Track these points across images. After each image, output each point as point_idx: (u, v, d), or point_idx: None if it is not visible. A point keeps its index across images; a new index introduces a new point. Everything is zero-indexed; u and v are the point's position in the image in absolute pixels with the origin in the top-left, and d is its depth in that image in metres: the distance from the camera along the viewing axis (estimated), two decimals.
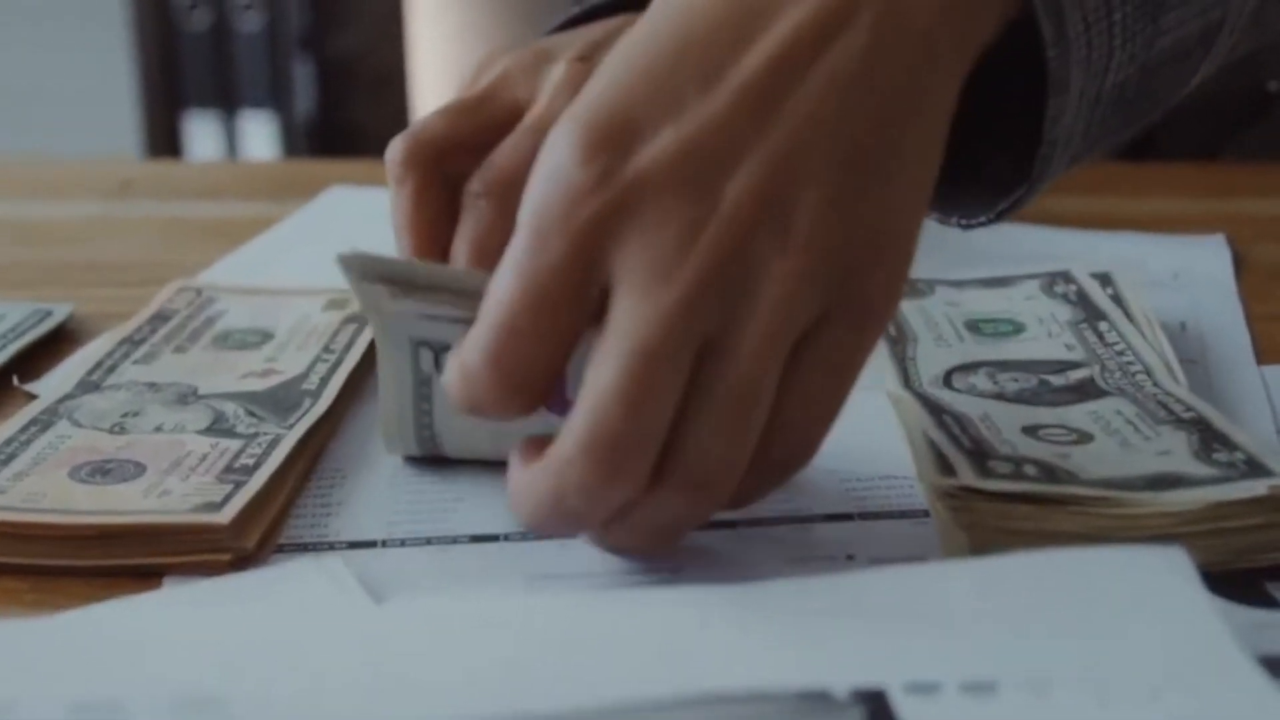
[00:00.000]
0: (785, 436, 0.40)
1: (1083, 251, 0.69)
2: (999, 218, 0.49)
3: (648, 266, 0.38)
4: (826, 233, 0.39)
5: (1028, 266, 0.62)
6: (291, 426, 0.50)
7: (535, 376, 0.39)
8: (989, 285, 0.60)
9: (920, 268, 0.43)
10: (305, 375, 0.54)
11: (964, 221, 0.50)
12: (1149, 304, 0.57)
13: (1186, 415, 0.48)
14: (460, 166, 0.54)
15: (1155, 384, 0.51)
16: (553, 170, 0.39)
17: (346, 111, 1.87)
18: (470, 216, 0.54)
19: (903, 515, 0.46)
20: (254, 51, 2.06)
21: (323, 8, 1.84)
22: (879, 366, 0.53)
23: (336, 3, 1.87)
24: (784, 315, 0.38)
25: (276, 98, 2.02)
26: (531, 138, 0.55)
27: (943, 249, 0.67)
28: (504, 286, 0.39)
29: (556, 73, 0.55)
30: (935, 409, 0.48)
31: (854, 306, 0.40)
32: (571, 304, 0.39)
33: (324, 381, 0.53)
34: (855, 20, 0.40)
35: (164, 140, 1.93)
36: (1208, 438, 0.46)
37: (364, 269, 0.46)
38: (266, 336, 0.58)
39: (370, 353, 0.56)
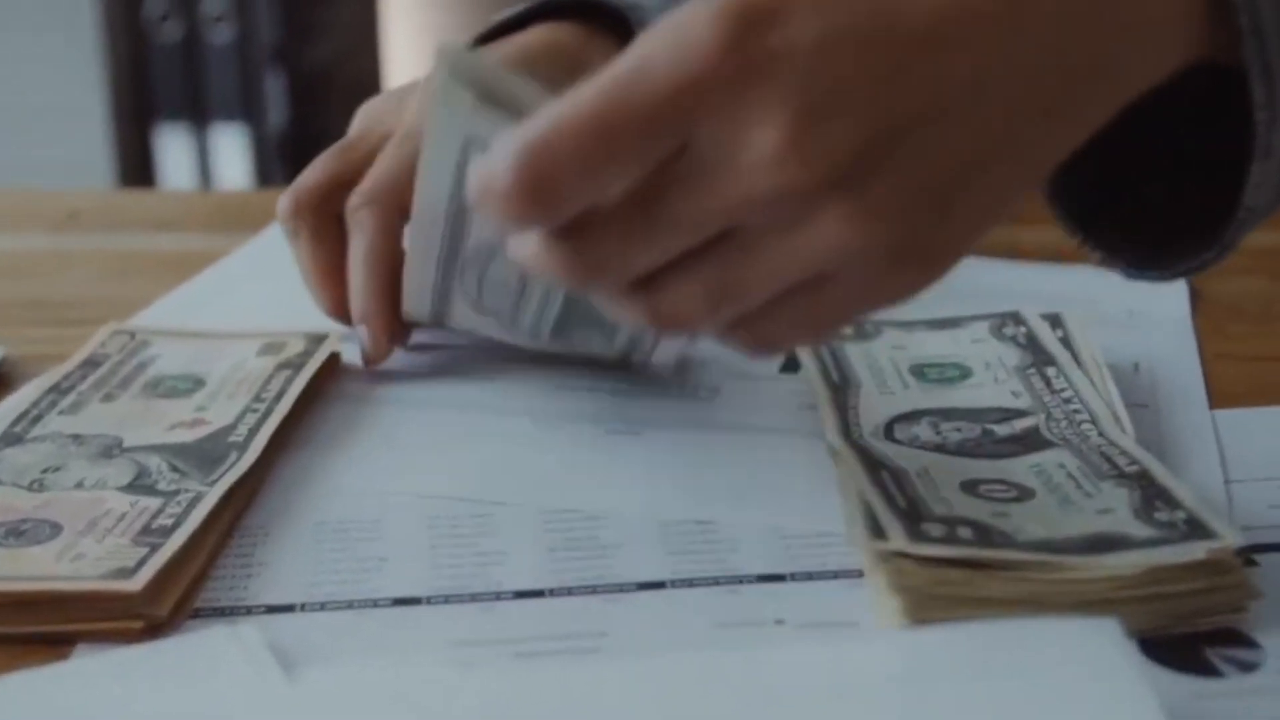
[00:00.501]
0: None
1: (1039, 286, 0.68)
2: (1180, 275, 0.48)
3: (748, 145, 0.37)
4: (922, 191, 0.38)
5: (978, 306, 0.61)
6: (214, 483, 0.48)
7: (568, 192, 0.37)
8: (937, 327, 0.59)
9: None
10: (233, 426, 0.53)
11: (1132, 271, 0.50)
12: (1098, 346, 0.56)
13: (1130, 469, 0.46)
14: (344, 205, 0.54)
15: (1101, 434, 0.50)
16: (681, 25, 0.37)
17: (319, 124, 1.86)
18: (356, 231, 0.54)
19: (837, 576, 0.45)
20: (225, 64, 2.04)
21: (294, 20, 1.83)
22: (821, 416, 0.52)
23: (308, 15, 1.85)
24: (839, 243, 0.38)
25: (248, 110, 2.01)
26: (403, 146, 0.55)
27: None
28: (589, 96, 0.37)
29: (417, 97, 0.55)
30: (873, 464, 0.47)
31: (913, 252, 0.39)
32: (643, 143, 0.37)
33: (251, 433, 0.52)
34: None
35: (135, 153, 1.91)
36: (1150, 494, 0.45)
37: (458, 67, 0.43)
38: (198, 383, 0.57)
39: (301, 401, 0.55)
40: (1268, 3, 0.41)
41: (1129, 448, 0.48)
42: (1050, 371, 0.54)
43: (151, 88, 1.94)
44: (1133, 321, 0.64)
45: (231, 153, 2.06)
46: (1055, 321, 0.58)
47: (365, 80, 1.96)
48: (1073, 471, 0.47)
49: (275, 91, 1.91)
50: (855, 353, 0.57)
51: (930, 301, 0.63)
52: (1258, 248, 0.73)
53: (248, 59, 2.00)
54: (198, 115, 2.04)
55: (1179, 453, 0.52)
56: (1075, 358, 0.55)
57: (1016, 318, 0.58)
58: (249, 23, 1.98)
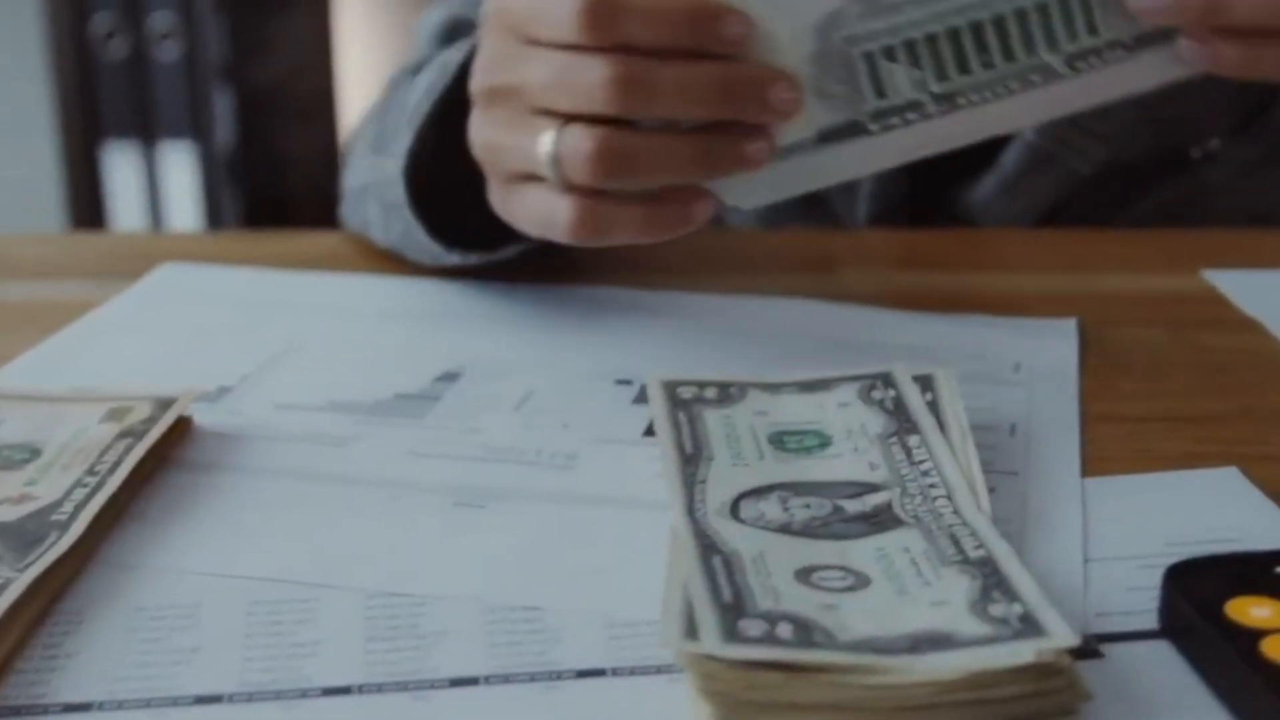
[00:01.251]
0: None
1: (928, 338, 0.66)
2: None
3: None
4: None
5: (862, 359, 0.59)
6: (26, 568, 0.46)
7: None
8: (806, 389, 0.57)
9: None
10: (60, 503, 0.51)
11: None
12: (967, 409, 0.54)
13: (975, 553, 0.45)
14: None
15: (955, 511, 0.48)
16: None
17: (269, 141, 1.84)
18: None
19: (660, 671, 0.43)
20: (172, 81, 2.02)
21: (242, 37, 1.81)
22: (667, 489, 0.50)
23: (256, 32, 1.83)
24: None
25: (196, 128, 1.98)
26: None
27: (785, 339, 0.64)
28: None
29: None
30: (708, 547, 0.45)
31: None
32: None
33: (77, 510, 0.50)
34: None
35: (83, 171, 1.89)
36: (990, 584, 0.43)
37: None
38: (34, 453, 0.55)
39: (141, 471, 0.53)
40: None
41: (980, 528, 0.46)
42: (913, 440, 0.52)
43: (98, 105, 1.92)
44: (1019, 376, 0.62)
45: (180, 170, 2.04)
46: (926, 383, 0.56)
47: (315, 98, 1.94)
48: (916, 556, 0.45)
49: (223, 109, 1.88)
50: (714, 419, 0.54)
51: (810, 358, 0.62)
52: (1156, 293, 0.72)
53: (195, 76, 1.98)
54: (145, 133, 2.02)
55: (1042, 527, 0.50)
56: (941, 423, 0.53)
57: (887, 379, 0.56)
58: (196, 40, 1.96)
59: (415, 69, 0.88)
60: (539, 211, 0.59)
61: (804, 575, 0.44)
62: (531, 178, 0.59)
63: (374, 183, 0.76)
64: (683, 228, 0.58)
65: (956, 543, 0.45)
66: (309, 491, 0.53)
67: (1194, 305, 0.71)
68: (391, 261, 0.78)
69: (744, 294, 0.72)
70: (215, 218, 1.93)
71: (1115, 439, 0.57)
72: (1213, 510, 0.51)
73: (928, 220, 0.91)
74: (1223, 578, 0.44)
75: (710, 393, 0.56)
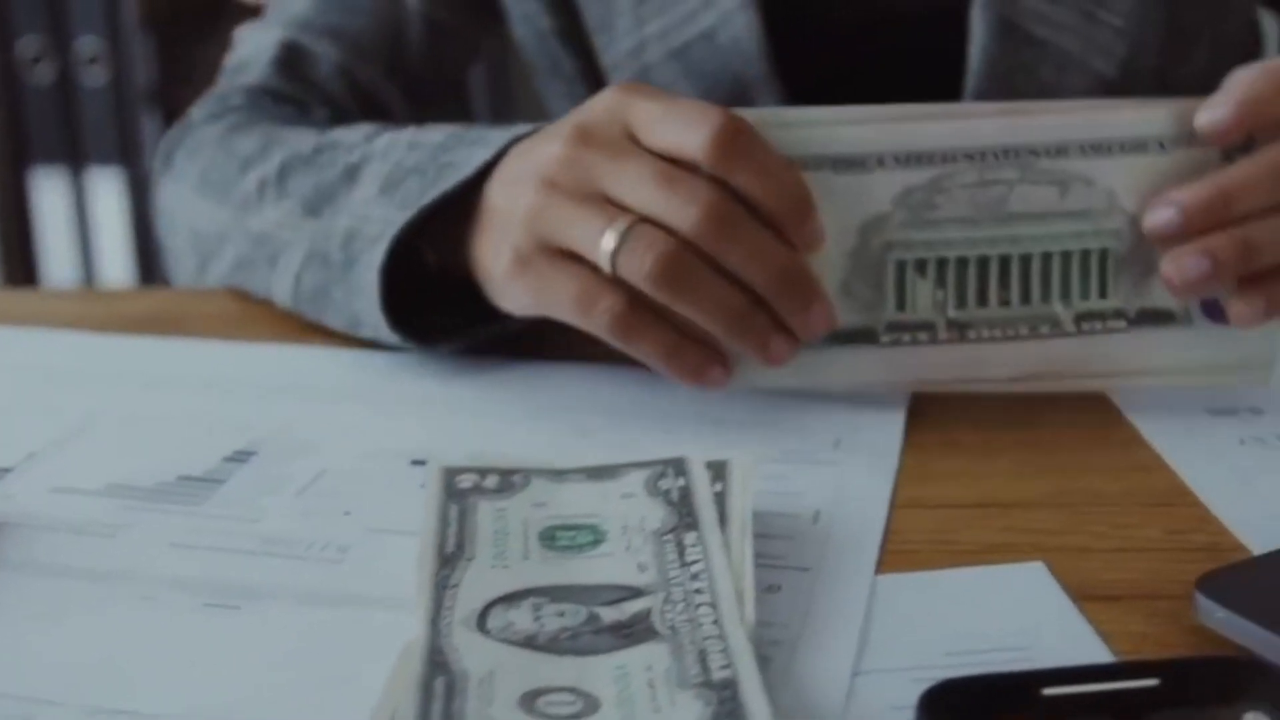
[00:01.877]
0: None
1: (751, 412, 0.63)
2: None
3: None
4: None
5: (674, 440, 0.57)
6: None
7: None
8: (593, 477, 0.54)
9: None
10: None
11: None
12: (750, 506, 0.51)
13: (719, 675, 0.42)
14: None
15: (716, 621, 0.45)
16: None
17: None
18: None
19: None
20: (100, 107, 1.99)
21: (169, 62, 1.78)
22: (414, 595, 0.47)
23: (183, 57, 1.80)
24: None
25: (124, 153, 1.95)
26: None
27: (609, 410, 0.62)
28: None
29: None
30: (437, 666, 0.42)
31: None
32: None
33: None
34: None
35: (11, 197, 1.86)
36: (724, 711, 0.40)
37: None
38: None
39: None
40: None
41: (733, 644, 0.43)
42: (689, 538, 0.49)
43: (26, 131, 1.89)
44: (836, 455, 0.59)
45: (109, 195, 2.01)
46: (720, 471, 0.53)
47: None
48: (656, 677, 0.42)
49: (152, 134, 1.85)
50: (488, 513, 0.51)
51: (630, 432, 0.59)
52: None
53: (123, 101, 1.95)
54: (74, 158, 1.99)
55: (818, 633, 0.47)
56: (724, 517, 0.50)
57: (679, 466, 0.53)
58: (123, 65, 1.93)
59: (265, 92, 0.84)
60: (575, 292, 0.59)
61: (529, 700, 0.41)
62: (571, 257, 0.59)
63: (272, 233, 0.74)
64: (692, 380, 0.60)
65: (704, 660, 0.42)
66: (58, 590, 0.50)
67: None
68: (220, 320, 0.75)
69: (577, 361, 0.69)
70: (144, 242, 1.90)
71: (922, 528, 0.54)
72: (1007, 613, 0.48)
73: None
74: (983, 702, 0.41)
75: (491, 481, 0.53)
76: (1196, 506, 0.56)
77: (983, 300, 0.60)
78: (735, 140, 0.57)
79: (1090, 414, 0.64)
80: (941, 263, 0.60)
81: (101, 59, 1.96)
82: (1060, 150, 0.58)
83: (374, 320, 0.67)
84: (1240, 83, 0.58)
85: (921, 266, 0.60)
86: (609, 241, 0.57)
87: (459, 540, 0.50)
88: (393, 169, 0.69)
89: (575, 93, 0.88)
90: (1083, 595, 0.49)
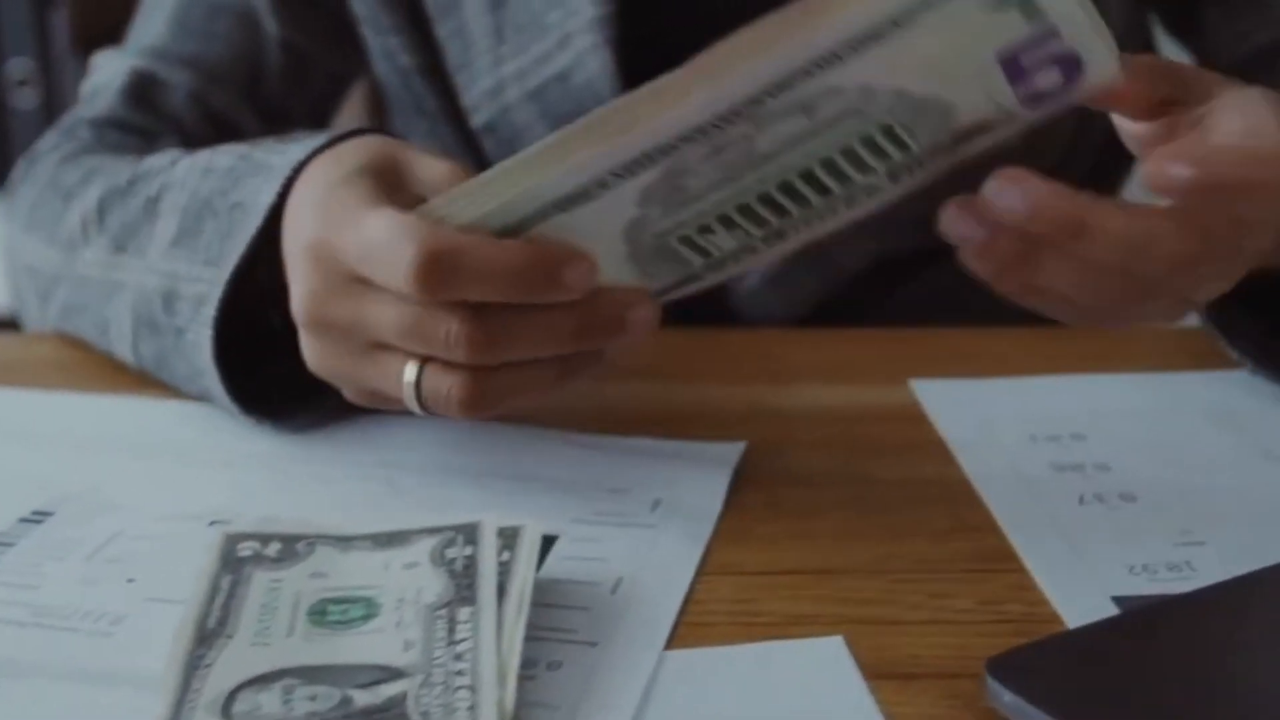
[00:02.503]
0: None
1: (571, 470, 0.61)
2: None
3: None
4: None
5: (484, 501, 0.54)
6: None
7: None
8: (380, 544, 0.51)
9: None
10: None
11: None
12: (531, 579, 0.49)
13: None
14: None
15: (471, 707, 0.42)
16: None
17: None
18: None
19: None
20: (31, 130, 1.97)
21: None
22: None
23: None
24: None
25: None
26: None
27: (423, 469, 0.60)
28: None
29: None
30: None
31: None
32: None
33: None
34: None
35: None
36: None
37: None
38: None
39: None
40: None
41: None
42: (464, 613, 0.47)
43: None
44: (654, 517, 0.57)
45: None
46: (511, 539, 0.51)
47: None
48: None
49: None
50: (261, 585, 0.49)
51: (443, 491, 0.57)
52: (850, 408, 0.67)
53: (54, 123, 1.93)
54: (3, 182, 1.97)
55: (591, 715, 0.45)
56: (505, 591, 0.48)
57: (470, 533, 0.51)
58: (54, 87, 1.91)
59: (111, 123, 0.82)
60: (426, 394, 0.56)
61: None
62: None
63: (91, 276, 0.71)
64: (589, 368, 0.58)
65: None
66: None
67: (882, 424, 0.66)
68: (52, 367, 0.73)
69: (395, 415, 0.67)
70: None
71: (726, 597, 0.52)
72: (794, 693, 0.46)
73: (690, 316, 0.86)
74: None
75: (273, 549, 0.51)
76: (1019, 573, 0.53)
77: (783, 214, 0.54)
78: (434, 270, 0.52)
79: (926, 469, 0.62)
80: (724, 218, 0.54)
81: (32, 81, 1.94)
82: (784, 85, 0.49)
83: (223, 402, 0.64)
84: (1212, 150, 0.53)
85: (706, 229, 0.55)
86: (407, 387, 0.56)
87: (223, 615, 0.48)
88: (188, 201, 0.67)
89: (438, 131, 0.86)
90: (880, 674, 0.47)
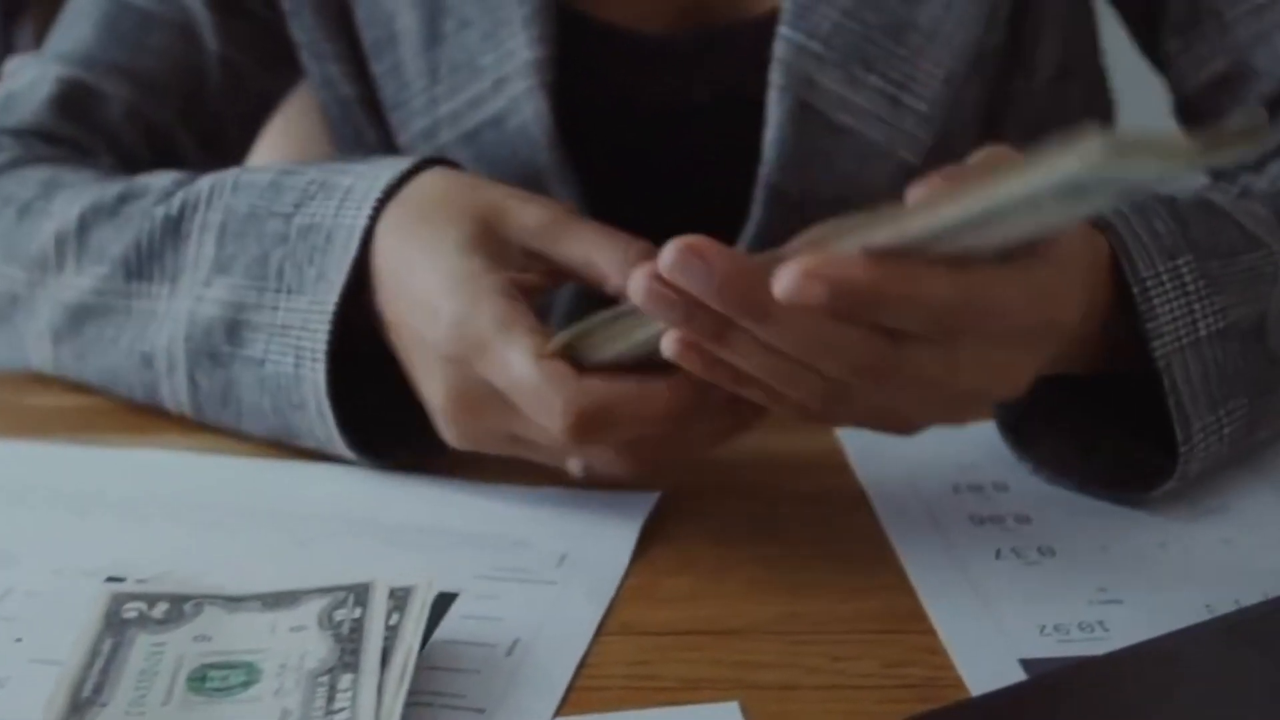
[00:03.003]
0: None
1: (482, 521, 0.60)
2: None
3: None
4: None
5: (358, 564, 0.53)
6: None
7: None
8: (270, 605, 0.50)
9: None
10: None
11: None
12: (417, 644, 0.48)
13: None
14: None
15: None
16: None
17: None
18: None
19: None
20: None
21: None
22: None
23: None
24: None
25: None
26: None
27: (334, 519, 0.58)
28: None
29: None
30: None
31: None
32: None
33: None
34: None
35: None
36: None
37: None
38: None
39: None
40: (1184, 376, 0.57)
41: None
42: (344, 681, 0.46)
43: None
44: (558, 573, 0.56)
45: None
46: (402, 600, 0.49)
47: None
48: None
49: None
50: (142, 649, 0.48)
51: (353, 545, 0.56)
52: (772, 455, 0.65)
53: None
54: None
55: None
56: (388, 657, 0.47)
57: (361, 594, 0.50)
58: None
59: (37, 134, 0.80)
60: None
61: None
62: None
63: (92, 303, 0.69)
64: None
65: None
66: None
67: (803, 473, 0.65)
68: None
69: (306, 461, 0.66)
70: None
71: (624, 659, 0.51)
72: None
73: None
74: None
75: (159, 610, 0.50)
76: (927, 634, 0.52)
77: None
78: (587, 427, 0.54)
79: (843, 522, 0.61)
80: None
81: None
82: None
83: (321, 436, 0.64)
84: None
85: None
86: (577, 474, 0.58)
87: (100, 681, 0.46)
88: (225, 218, 0.65)
89: None
90: None
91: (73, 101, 0.81)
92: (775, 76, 0.74)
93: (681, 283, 0.46)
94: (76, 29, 0.83)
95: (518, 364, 0.54)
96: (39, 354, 0.73)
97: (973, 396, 0.53)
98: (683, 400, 0.53)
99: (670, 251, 0.46)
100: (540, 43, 0.76)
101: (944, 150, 0.75)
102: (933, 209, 0.43)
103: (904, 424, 0.54)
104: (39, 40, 1.55)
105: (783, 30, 0.75)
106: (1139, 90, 0.95)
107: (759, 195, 0.76)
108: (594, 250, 0.59)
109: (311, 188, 0.64)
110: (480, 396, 0.57)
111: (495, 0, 0.76)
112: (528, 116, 0.76)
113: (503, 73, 0.76)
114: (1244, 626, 0.51)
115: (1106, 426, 0.63)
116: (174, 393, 0.67)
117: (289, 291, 0.62)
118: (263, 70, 0.86)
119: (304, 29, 0.83)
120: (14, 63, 0.84)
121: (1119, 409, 0.63)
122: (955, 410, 0.54)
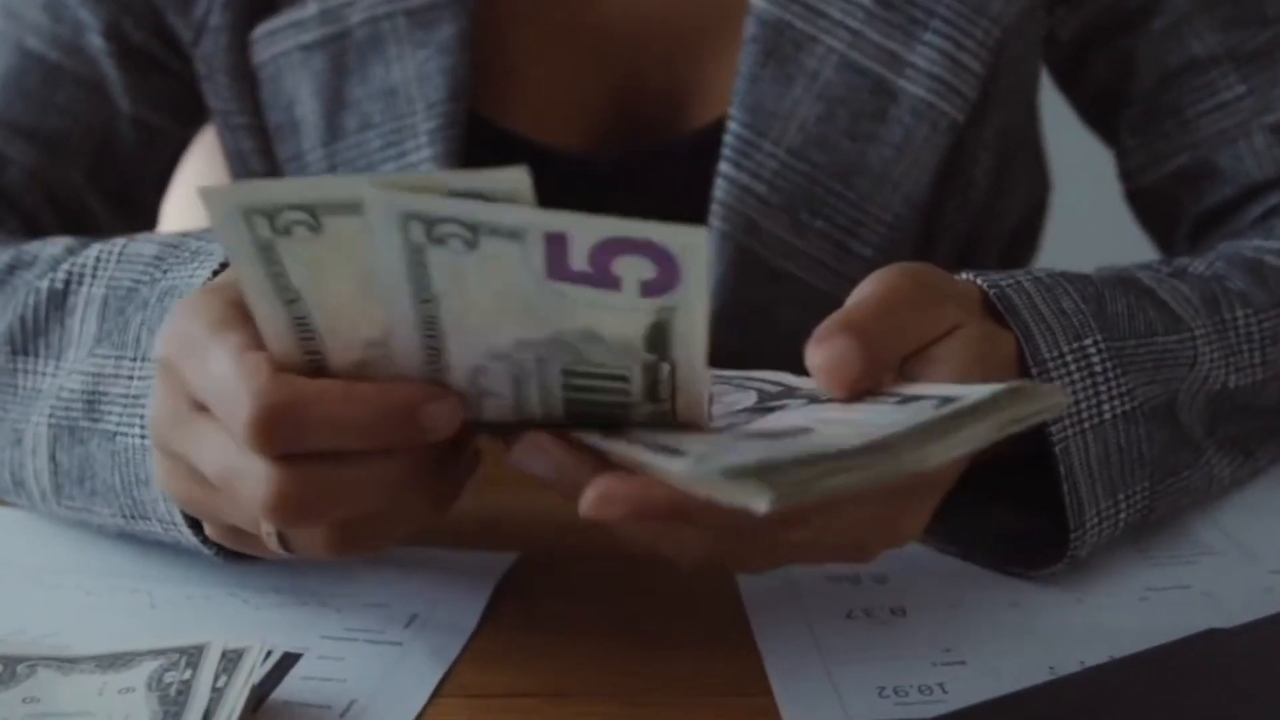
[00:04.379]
0: None
1: (340, 583, 0.60)
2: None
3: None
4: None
5: (207, 625, 0.53)
6: None
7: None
8: (102, 666, 0.51)
9: None
10: None
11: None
12: (240, 707, 0.48)
13: None
14: None
15: None
16: None
17: None
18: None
19: None
20: None
21: None
22: None
23: None
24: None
25: None
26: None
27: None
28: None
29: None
30: None
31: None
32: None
33: None
34: None
35: None
36: None
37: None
38: None
39: None
40: (1082, 460, 0.56)
41: None
42: None
43: None
44: (405, 634, 0.56)
45: None
46: (233, 662, 0.50)
47: None
48: None
49: None
50: None
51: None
52: (594, 532, 0.65)
53: None
54: None
55: None
56: (209, 718, 0.47)
57: (194, 657, 0.50)
58: None
59: None
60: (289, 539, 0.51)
61: None
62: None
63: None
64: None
65: None
66: None
67: None
68: None
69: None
70: None
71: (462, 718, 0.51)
72: None
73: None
74: None
75: None
76: (765, 695, 0.53)
77: None
78: (273, 425, 0.46)
79: (700, 581, 0.61)
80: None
81: None
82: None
83: (166, 517, 0.57)
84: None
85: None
86: (268, 536, 0.51)
87: None
88: (106, 293, 0.62)
89: None
90: None
91: None
92: (715, 220, 0.72)
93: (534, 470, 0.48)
94: None
95: (217, 357, 0.48)
96: None
97: (857, 546, 0.51)
98: (392, 408, 0.47)
99: (521, 444, 0.48)
100: (445, 159, 0.73)
101: None
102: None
103: (792, 563, 0.53)
104: None
105: (724, 169, 0.72)
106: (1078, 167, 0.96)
107: None
108: None
109: (185, 255, 0.60)
110: (180, 412, 0.51)
111: (401, 103, 0.74)
112: None
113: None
114: (1078, 688, 0.52)
115: (997, 499, 0.61)
116: (36, 473, 0.62)
117: (144, 359, 0.58)
118: (178, 126, 0.84)
119: (218, 96, 0.80)
120: None
121: (1012, 482, 0.61)
122: (851, 554, 0.52)
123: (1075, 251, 0.88)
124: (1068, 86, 0.83)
